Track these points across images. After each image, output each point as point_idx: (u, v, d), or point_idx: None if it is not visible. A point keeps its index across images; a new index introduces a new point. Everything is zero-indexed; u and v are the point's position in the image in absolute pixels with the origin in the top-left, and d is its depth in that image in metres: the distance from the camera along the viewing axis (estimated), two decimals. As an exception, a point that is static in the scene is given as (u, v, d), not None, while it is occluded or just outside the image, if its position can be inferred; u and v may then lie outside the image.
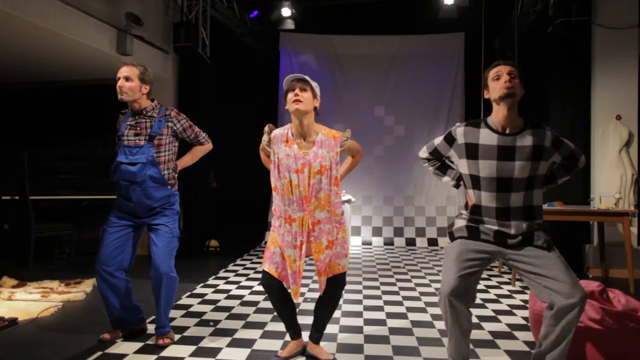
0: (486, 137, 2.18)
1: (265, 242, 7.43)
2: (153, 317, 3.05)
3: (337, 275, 2.60)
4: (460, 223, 2.26)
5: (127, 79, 2.91)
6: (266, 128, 2.64)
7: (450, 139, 2.31)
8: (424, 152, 2.50)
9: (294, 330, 2.75)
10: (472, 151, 2.20)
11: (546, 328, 2.06)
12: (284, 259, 2.56)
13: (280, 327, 3.27)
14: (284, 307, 2.69)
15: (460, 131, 2.27)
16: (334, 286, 2.63)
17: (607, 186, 5.31)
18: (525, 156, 2.12)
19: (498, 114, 2.20)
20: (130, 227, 2.96)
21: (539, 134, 2.15)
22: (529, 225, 2.16)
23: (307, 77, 2.57)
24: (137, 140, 2.91)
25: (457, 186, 2.46)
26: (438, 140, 2.40)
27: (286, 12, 6.84)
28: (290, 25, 6.92)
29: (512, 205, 2.13)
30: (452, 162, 2.42)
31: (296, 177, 2.51)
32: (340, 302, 3.97)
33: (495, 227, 2.16)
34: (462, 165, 2.27)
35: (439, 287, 4.68)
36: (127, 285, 2.98)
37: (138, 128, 2.94)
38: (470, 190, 2.25)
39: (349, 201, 6.55)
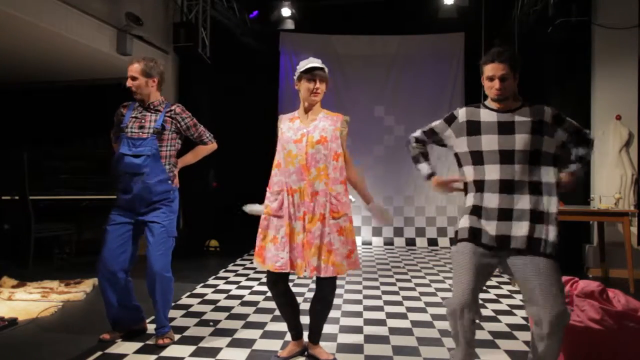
0: (486, 115, 2.22)
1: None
2: (153, 317, 3.05)
3: (330, 277, 2.56)
4: (465, 222, 2.21)
5: (132, 78, 2.91)
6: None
7: (450, 119, 2.33)
8: (415, 132, 2.48)
9: (296, 330, 2.75)
10: (473, 128, 2.22)
11: (536, 344, 2.08)
12: (280, 241, 2.53)
13: (280, 327, 3.27)
14: (288, 308, 2.70)
15: (462, 111, 2.30)
16: (326, 288, 2.61)
17: (607, 186, 5.31)
18: (525, 129, 2.14)
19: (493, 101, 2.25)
20: (131, 224, 2.94)
21: (537, 109, 2.19)
22: (532, 212, 2.10)
23: (324, 66, 2.60)
24: (141, 133, 2.90)
25: (428, 178, 2.42)
26: (436, 122, 2.41)
27: (286, 12, 6.84)
28: (290, 25, 6.92)
29: (516, 178, 2.11)
30: (444, 145, 2.38)
31: (295, 147, 2.57)
32: (340, 301, 3.97)
33: (496, 227, 2.11)
34: (461, 144, 2.26)
35: (439, 286, 4.71)
36: (128, 285, 2.98)
37: (143, 121, 2.93)
38: (471, 167, 2.22)
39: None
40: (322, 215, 2.53)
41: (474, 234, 2.15)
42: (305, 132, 2.58)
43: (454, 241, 2.24)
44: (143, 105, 2.98)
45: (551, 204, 2.14)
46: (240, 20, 7.30)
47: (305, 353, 2.77)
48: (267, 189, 2.68)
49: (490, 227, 2.12)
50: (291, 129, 2.63)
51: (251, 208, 2.82)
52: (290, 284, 2.79)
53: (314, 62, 2.57)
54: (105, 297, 2.94)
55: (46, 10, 4.49)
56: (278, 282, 2.62)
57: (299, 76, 2.59)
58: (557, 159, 2.21)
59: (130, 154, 2.87)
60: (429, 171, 2.44)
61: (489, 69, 2.18)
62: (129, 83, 2.91)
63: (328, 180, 2.55)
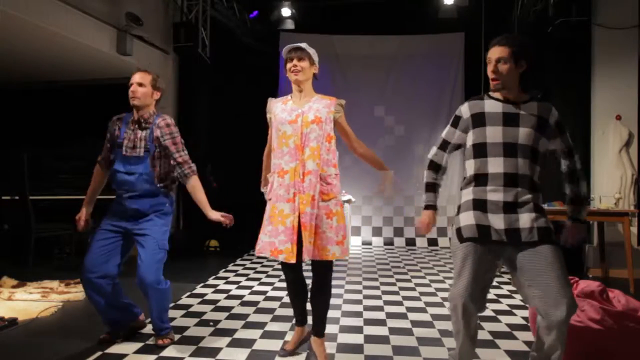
0: (491, 106, 2.17)
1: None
2: (153, 317, 3.04)
3: (323, 261, 2.54)
4: (469, 219, 2.13)
5: (140, 84, 2.89)
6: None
7: (456, 121, 2.29)
8: (432, 151, 2.40)
9: (302, 317, 2.76)
10: (479, 120, 2.18)
11: (542, 337, 2.05)
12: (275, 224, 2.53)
13: (280, 327, 3.28)
14: (297, 295, 2.74)
15: (464, 108, 2.25)
16: (320, 274, 2.61)
17: (607, 186, 5.31)
18: (530, 124, 2.11)
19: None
20: (120, 234, 2.89)
21: (545, 107, 2.16)
22: (534, 205, 2.10)
23: (304, 46, 2.61)
24: (133, 152, 2.89)
25: (426, 208, 2.44)
26: (444, 131, 2.36)
27: (286, 12, 6.84)
28: (290, 25, 6.93)
29: (520, 172, 2.09)
30: (456, 144, 2.33)
31: (290, 128, 2.56)
32: (340, 301, 3.97)
33: (503, 220, 2.07)
34: (470, 138, 2.23)
35: (439, 287, 4.70)
36: (114, 287, 2.90)
37: (135, 139, 2.91)
38: (472, 160, 2.18)
39: (349, 201, 6.55)
40: (312, 197, 2.50)
41: (482, 233, 2.09)
42: (300, 113, 2.58)
43: (460, 239, 2.14)
44: (135, 118, 2.93)
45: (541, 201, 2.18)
46: (240, 20, 7.31)
47: (308, 346, 2.76)
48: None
49: (498, 221, 2.09)
50: (285, 110, 2.62)
51: None
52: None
53: (291, 46, 2.61)
54: (93, 302, 2.88)
55: (46, 10, 4.50)
56: (287, 268, 2.64)
57: (284, 64, 2.64)
58: (543, 161, 2.20)
59: (123, 171, 2.88)
60: (429, 203, 2.38)
61: (489, 53, 2.12)
62: (134, 88, 2.88)
63: (320, 161, 2.54)
